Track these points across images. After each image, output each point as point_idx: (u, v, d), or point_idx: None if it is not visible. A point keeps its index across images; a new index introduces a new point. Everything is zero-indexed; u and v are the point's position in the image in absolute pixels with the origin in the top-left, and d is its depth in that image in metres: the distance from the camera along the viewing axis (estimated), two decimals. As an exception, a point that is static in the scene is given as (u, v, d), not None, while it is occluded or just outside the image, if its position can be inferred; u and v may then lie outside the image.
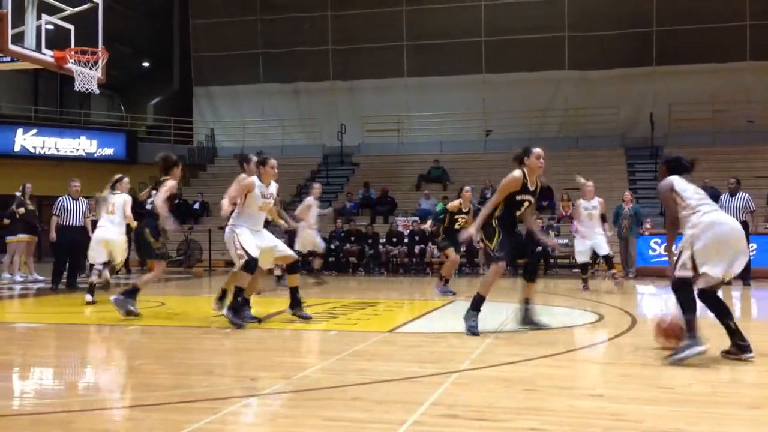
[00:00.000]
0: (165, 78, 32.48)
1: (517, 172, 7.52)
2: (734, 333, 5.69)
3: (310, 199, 14.30)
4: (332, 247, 19.22)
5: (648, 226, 17.25)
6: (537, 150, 7.75)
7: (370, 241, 19.13)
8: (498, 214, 7.38)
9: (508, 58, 26.24)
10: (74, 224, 13.02)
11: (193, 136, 29.73)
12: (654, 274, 15.72)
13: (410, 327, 8.13)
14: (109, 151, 26.85)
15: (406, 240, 18.99)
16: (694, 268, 5.58)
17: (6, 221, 15.34)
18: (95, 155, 26.52)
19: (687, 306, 5.62)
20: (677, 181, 5.94)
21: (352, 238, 19.15)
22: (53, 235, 13.10)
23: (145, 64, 34.79)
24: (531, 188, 7.50)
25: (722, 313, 5.75)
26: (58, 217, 13.02)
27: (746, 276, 13.87)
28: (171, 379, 5.22)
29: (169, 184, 8.59)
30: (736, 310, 10.79)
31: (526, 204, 7.48)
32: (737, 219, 13.36)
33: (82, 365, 6.15)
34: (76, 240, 12.75)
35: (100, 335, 7.75)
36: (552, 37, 26.16)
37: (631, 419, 4.00)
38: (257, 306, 8.94)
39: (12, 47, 10.19)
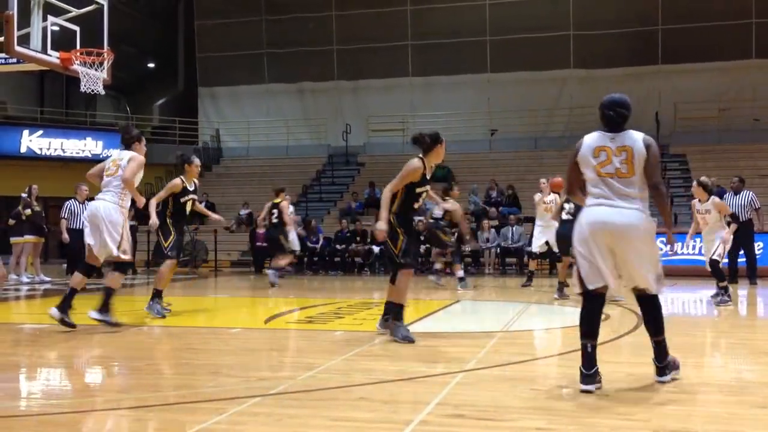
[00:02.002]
0: (170, 79, 32.53)
1: (416, 161, 6.74)
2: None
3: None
4: (338, 247, 19.25)
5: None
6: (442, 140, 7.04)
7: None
8: (395, 209, 6.71)
9: (513, 57, 26.19)
10: (81, 227, 13.12)
11: (198, 136, 29.77)
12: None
13: (416, 327, 8.12)
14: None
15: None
16: None
17: (12, 222, 15.40)
18: (101, 156, 26.56)
19: None
20: None
21: (358, 238, 19.16)
22: (66, 236, 13.56)
23: (151, 65, 34.85)
24: (428, 178, 6.88)
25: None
26: (66, 221, 13.35)
27: (753, 275, 13.85)
28: (177, 379, 5.23)
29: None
30: (743, 308, 10.77)
31: (424, 195, 6.96)
32: (742, 217, 13.45)
33: (89, 366, 6.16)
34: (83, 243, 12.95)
35: (106, 336, 7.76)
36: (557, 36, 26.12)
37: (638, 418, 3.99)
38: (258, 306, 8.94)
39: (18, 49, 10.21)
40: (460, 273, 13.00)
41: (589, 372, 4.57)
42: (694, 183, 10.32)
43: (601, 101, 5.01)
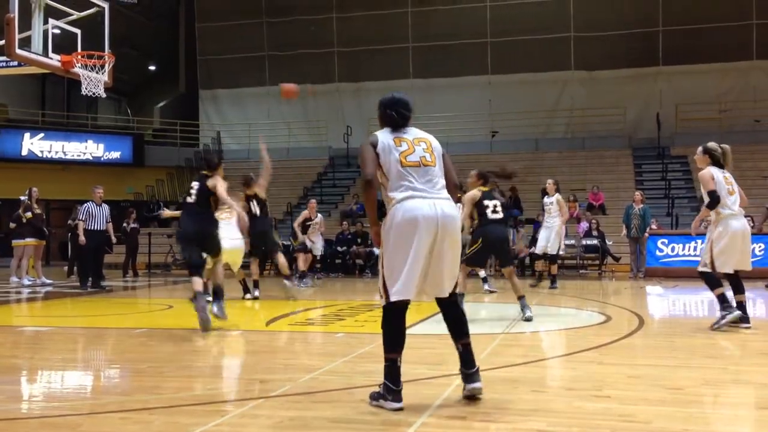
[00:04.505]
0: (171, 81, 32.56)
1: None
2: None
3: None
4: (338, 249, 19.25)
5: (654, 226, 17.22)
6: None
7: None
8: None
9: (514, 58, 26.21)
10: (98, 228, 13.87)
11: (199, 139, 29.80)
12: (662, 275, 15.68)
13: (418, 329, 8.12)
14: (116, 155, 26.93)
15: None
16: None
17: (13, 225, 15.43)
18: (102, 159, 26.61)
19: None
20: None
21: (359, 240, 19.17)
22: (83, 238, 13.74)
23: (152, 68, 34.89)
24: None
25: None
26: (84, 222, 13.57)
27: None
28: (179, 381, 5.23)
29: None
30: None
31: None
32: None
33: (90, 368, 6.16)
34: (101, 243, 14.07)
35: (107, 338, 7.77)
36: (558, 38, 26.14)
37: (639, 420, 3.99)
38: (259, 309, 8.93)
39: (19, 52, 10.21)
40: (483, 273, 12.76)
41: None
42: None
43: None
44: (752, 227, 15.46)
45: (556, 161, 23.77)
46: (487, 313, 10.34)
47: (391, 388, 4.25)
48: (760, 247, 15.77)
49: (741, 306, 7.60)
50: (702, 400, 4.53)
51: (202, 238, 7.92)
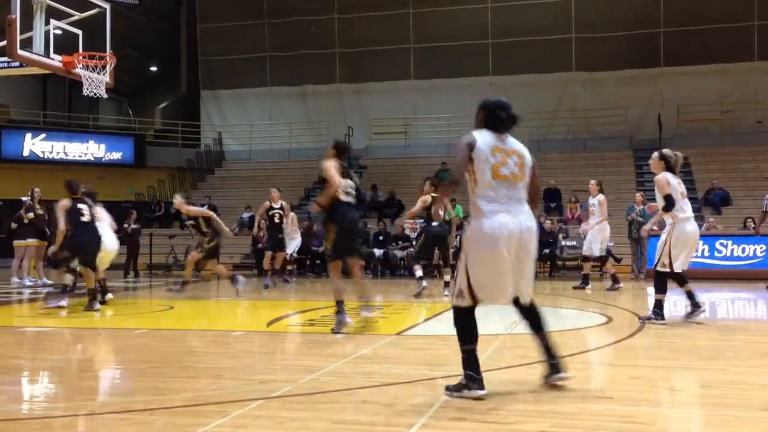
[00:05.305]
0: (172, 82, 32.60)
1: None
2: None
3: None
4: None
5: (655, 228, 17.18)
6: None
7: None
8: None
9: (515, 60, 26.21)
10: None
11: (200, 139, 29.82)
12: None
13: (418, 329, 8.12)
14: (117, 156, 26.95)
15: (413, 242, 18.98)
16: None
17: (15, 225, 15.44)
18: (103, 160, 26.63)
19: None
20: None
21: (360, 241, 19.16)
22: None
23: (153, 69, 34.91)
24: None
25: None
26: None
27: None
28: (180, 382, 5.23)
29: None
30: (744, 310, 10.74)
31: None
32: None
33: (91, 369, 6.16)
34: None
35: (108, 339, 7.77)
36: (559, 39, 26.14)
37: (641, 421, 3.99)
38: (266, 309, 8.93)
39: (21, 52, 10.23)
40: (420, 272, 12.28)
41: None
42: None
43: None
44: (752, 228, 15.53)
45: (557, 162, 23.75)
46: (489, 314, 10.33)
47: (474, 376, 4.52)
48: (761, 248, 15.77)
49: (690, 294, 8.14)
50: (703, 402, 4.53)
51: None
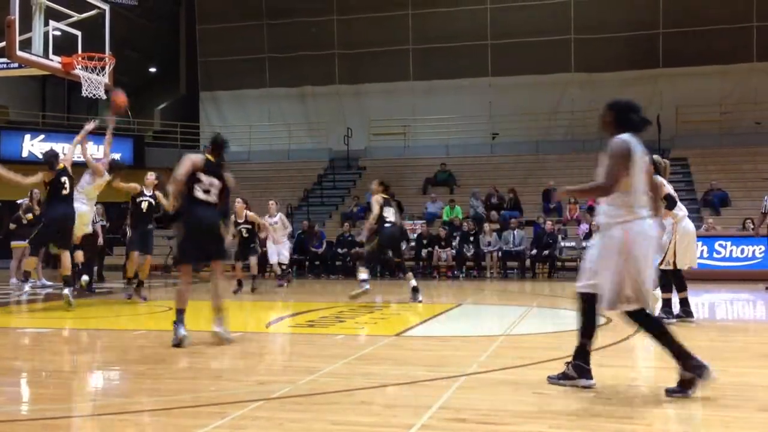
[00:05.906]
0: (172, 83, 32.58)
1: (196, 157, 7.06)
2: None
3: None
4: (339, 251, 19.26)
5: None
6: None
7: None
8: (177, 204, 6.88)
9: (514, 61, 26.20)
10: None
11: (199, 140, 29.80)
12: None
13: (418, 330, 8.12)
14: (116, 157, 26.87)
15: (413, 243, 18.99)
16: None
17: (13, 226, 15.43)
18: (103, 161, 26.57)
19: None
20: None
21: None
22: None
23: (152, 70, 34.89)
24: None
25: None
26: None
27: None
28: (179, 383, 5.23)
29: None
30: (744, 311, 10.75)
31: (213, 190, 7.02)
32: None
33: (90, 370, 6.16)
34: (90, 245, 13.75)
35: (107, 340, 7.77)
36: (558, 40, 26.13)
37: (640, 422, 3.99)
38: (259, 310, 8.92)
39: (20, 53, 10.24)
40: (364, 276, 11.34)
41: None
42: None
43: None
44: (751, 229, 15.55)
45: (556, 163, 23.77)
46: (488, 315, 10.34)
47: (585, 368, 4.84)
48: (760, 249, 15.78)
49: (684, 301, 8.36)
50: (703, 402, 4.53)
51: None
